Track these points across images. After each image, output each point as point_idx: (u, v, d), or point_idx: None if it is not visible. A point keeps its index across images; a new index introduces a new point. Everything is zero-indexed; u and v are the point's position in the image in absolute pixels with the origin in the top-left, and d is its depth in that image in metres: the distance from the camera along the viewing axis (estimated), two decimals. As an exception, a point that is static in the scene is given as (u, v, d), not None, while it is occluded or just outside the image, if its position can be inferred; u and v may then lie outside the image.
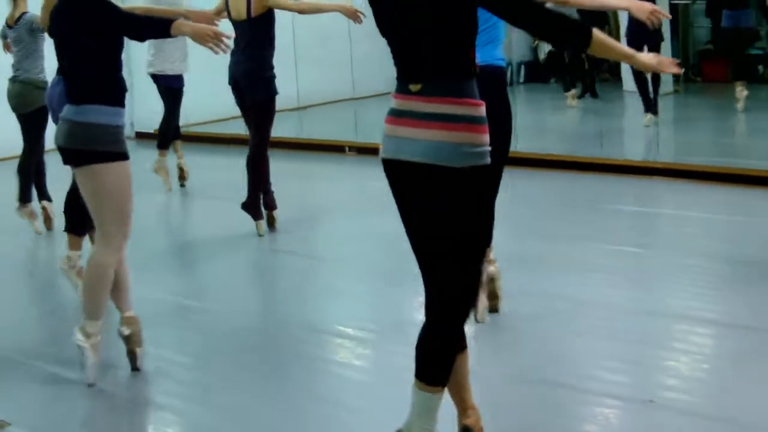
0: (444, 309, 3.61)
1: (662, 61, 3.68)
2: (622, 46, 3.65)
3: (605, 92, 14.12)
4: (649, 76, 11.54)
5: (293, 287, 6.91)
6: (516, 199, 9.16)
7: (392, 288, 6.57)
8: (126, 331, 5.20)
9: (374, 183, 9.78)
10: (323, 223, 8.61)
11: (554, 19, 3.40)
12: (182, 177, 10.15)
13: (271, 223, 8.05)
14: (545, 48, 15.96)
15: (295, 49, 12.31)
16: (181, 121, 10.21)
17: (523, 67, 15.95)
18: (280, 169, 8.41)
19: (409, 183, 3.56)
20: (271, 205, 8.04)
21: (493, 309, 5.68)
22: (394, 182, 3.63)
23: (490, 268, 5.56)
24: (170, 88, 9.77)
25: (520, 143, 10.72)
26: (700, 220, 7.94)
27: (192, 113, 11.39)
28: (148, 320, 5.35)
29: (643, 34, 11.11)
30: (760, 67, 14.65)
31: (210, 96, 10.55)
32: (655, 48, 11.24)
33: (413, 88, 3.48)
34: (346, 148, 11.41)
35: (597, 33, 3.39)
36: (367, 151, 11.32)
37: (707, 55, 15.21)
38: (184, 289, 6.99)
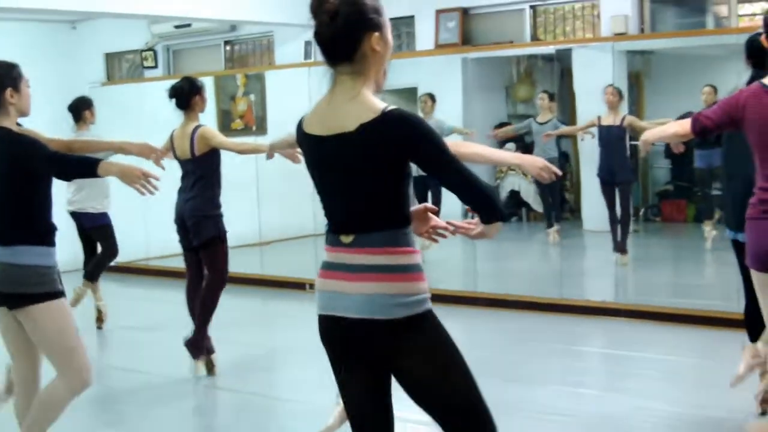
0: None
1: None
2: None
3: (566, 231, 14.20)
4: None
5: (245, 429, 6.77)
6: (475, 340, 9.15)
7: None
8: None
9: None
10: (282, 363, 8.54)
11: (481, 191, 3.42)
12: (100, 319, 9.97)
13: (210, 368, 7.85)
14: (507, 187, 16.13)
15: (258, 184, 12.39)
16: (144, 254, 10.19)
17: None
18: (241, 306, 8.38)
19: (350, 340, 3.48)
20: (210, 349, 7.87)
21: None
22: (334, 341, 3.55)
23: None
24: (95, 226, 9.77)
25: (480, 283, 10.77)
26: (662, 362, 7.93)
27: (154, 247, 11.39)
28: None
29: (612, 174, 11.37)
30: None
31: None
32: (626, 188, 11.47)
33: (345, 239, 3.44)
34: (307, 286, 11.38)
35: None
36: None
37: (666, 195, 15.41)
38: None
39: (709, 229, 12.28)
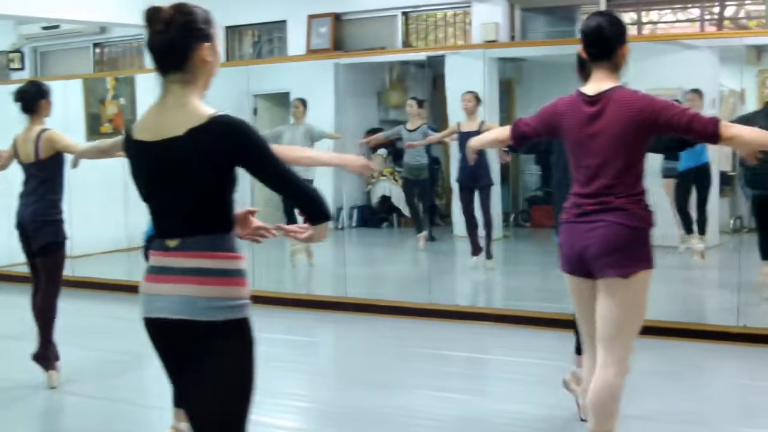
0: None
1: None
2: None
3: (436, 236, 14.30)
4: (481, 223, 11.84)
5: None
6: (345, 345, 9.18)
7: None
8: None
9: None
10: (149, 366, 8.42)
11: (306, 193, 3.54)
12: None
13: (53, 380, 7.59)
14: (378, 192, 16.20)
15: (125, 190, 12.20)
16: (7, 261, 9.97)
17: (355, 211, 16.11)
18: (108, 312, 8.26)
19: (170, 341, 3.55)
20: (56, 356, 7.62)
21: None
22: (158, 342, 3.61)
23: None
24: None
25: (350, 289, 10.78)
26: (528, 365, 8.02)
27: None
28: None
29: (473, 179, 11.51)
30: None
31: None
32: (486, 192, 11.64)
33: (170, 243, 3.51)
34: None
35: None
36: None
37: (536, 200, 15.64)
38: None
39: None
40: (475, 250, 11.98)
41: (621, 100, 4.72)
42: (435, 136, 12.83)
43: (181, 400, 3.66)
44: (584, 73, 5.04)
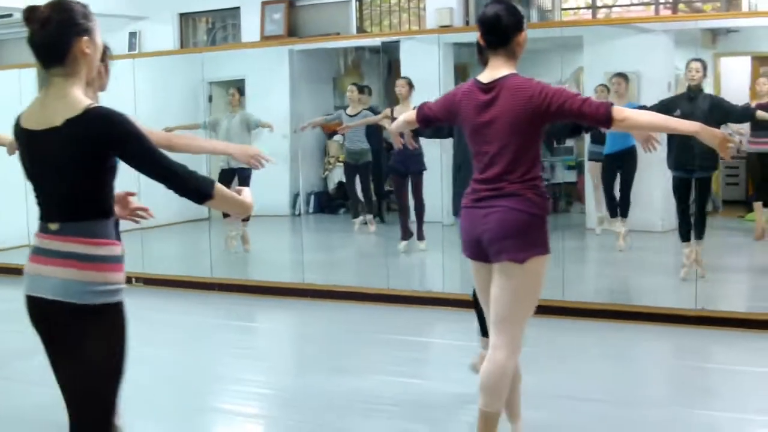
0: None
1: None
2: (244, 201, 3.89)
3: (392, 222, 14.31)
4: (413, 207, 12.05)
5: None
6: (304, 332, 9.18)
7: (177, 424, 6.48)
8: None
9: (161, 315, 9.78)
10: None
11: (183, 177, 3.66)
12: None
13: None
14: (335, 178, 16.21)
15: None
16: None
17: (312, 197, 16.10)
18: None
19: (47, 320, 3.71)
20: None
21: None
22: (36, 320, 3.76)
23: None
24: None
25: (308, 274, 10.78)
26: (469, 348, 8.05)
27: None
28: None
29: (404, 165, 11.66)
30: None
31: None
32: (418, 178, 11.83)
33: (52, 227, 3.68)
34: (133, 279, 11.22)
35: (219, 187, 3.73)
36: (154, 282, 11.22)
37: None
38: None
39: None
40: (404, 234, 12.26)
41: (513, 87, 4.81)
42: (367, 119, 12.87)
43: (56, 371, 3.80)
44: (483, 58, 5.11)
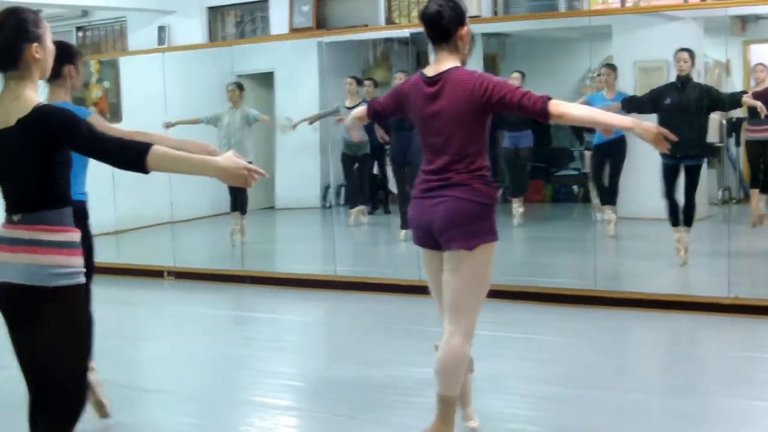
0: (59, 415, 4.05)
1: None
2: (189, 157, 3.97)
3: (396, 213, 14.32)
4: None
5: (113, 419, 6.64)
6: (331, 324, 9.18)
7: (212, 416, 6.49)
8: None
9: (193, 309, 9.81)
10: (141, 350, 8.44)
11: (123, 151, 3.87)
12: None
13: None
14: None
15: (113, 173, 12.16)
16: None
17: (343, 189, 16.10)
18: (97, 296, 8.23)
19: (12, 303, 3.99)
20: None
21: (103, 416, 6.17)
22: (2, 305, 4.04)
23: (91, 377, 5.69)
24: None
25: (339, 267, 10.77)
26: (516, 340, 8.04)
27: None
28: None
29: (403, 155, 11.82)
30: (575, 187, 15.26)
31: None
32: (414, 169, 11.88)
33: (15, 218, 3.97)
34: (165, 273, 11.27)
35: (157, 149, 3.81)
36: (186, 275, 11.25)
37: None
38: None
39: (516, 206, 13.24)
40: (404, 223, 12.31)
41: (456, 80, 4.94)
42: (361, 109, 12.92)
43: (18, 353, 4.08)
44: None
